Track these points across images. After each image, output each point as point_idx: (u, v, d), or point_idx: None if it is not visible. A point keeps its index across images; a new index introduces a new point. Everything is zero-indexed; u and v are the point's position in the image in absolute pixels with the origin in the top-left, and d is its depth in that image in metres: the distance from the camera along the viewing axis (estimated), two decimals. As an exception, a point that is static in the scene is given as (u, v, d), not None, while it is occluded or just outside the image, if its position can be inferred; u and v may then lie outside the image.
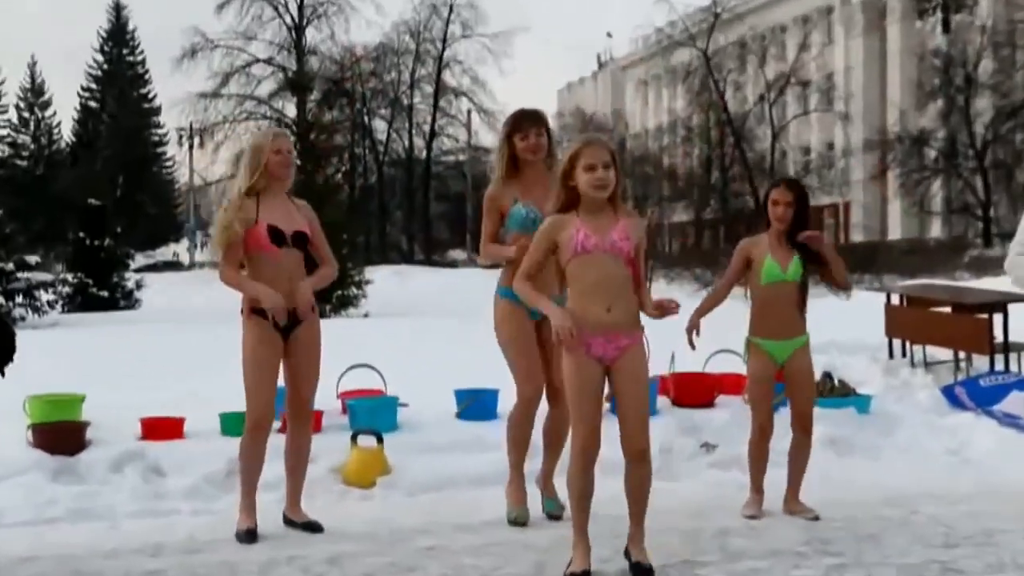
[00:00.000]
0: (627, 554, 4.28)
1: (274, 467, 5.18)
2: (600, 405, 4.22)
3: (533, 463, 5.37)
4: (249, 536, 4.90)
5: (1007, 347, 8.13)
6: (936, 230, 41.55)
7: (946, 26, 39.93)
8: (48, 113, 63.93)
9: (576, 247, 4.14)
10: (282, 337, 5.01)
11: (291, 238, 5.01)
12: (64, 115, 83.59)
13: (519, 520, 5.16)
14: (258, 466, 5.07)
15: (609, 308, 4.14)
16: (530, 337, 5.14)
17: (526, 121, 5.21)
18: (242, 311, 5.05)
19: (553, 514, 5.22)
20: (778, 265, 5.15)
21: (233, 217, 4.96)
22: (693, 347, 5.20)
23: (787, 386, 5.31)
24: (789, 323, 5.20)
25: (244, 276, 5.01)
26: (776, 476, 5.34)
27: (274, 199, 5.06)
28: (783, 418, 5.40)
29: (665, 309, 4.21)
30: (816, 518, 5.16)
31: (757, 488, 5.33)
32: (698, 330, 5.19)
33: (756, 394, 5.29)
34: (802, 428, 5.30)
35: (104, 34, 66.13)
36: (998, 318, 8.21)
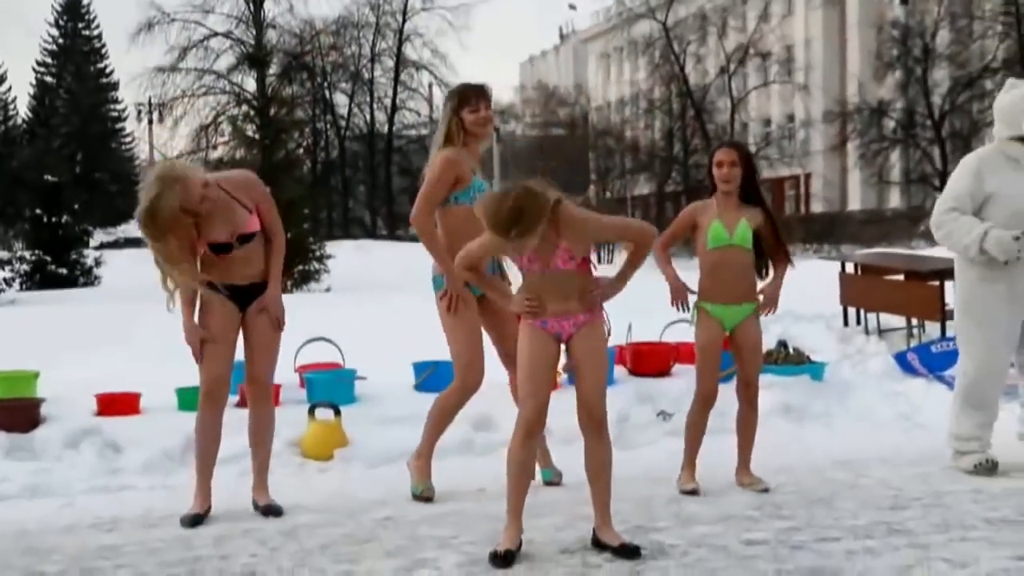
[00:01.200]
0: (599, 543, 4.19)
1: (231, 441, 5.15)
2: (551, 382, 4.20)
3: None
4: (194, 521, 4.79)
5: (958, 314, 8.22)
6: (895, 200, 41.87)
7: (904, -3, 40.10)
8: (3, 89, 62.91)
9: (522, 268, 4.16)
10: (239, 309, 4.96)
11: (236, 242, 4.89)
12: (20, 91, 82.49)
13: (425, 494, 5.17)
14: (213, 443, 4.98)
15: (566, 297, 4.14)
16: (473, 322, 5.15)
17: (476, 94, 5.20)
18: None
19: (552, 481, 5.33)
20: (725, 229, 5.13)
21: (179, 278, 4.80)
22: (686, 307, 5.23)
23: (736, 354, 5.26)
24: (739, 288, 5.16)
25: (184, 300, 4.86)
26: (728, 443, 5.38)
27: (213, 212, 4.82)
28: (731, 388, 5.35)
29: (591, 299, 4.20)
30: (766, 489, 5.14)
31: (693, 461, 5.26)
32: (686, 291, 5.22)
33: (703, 362, 5.21)
34: (748, 398, 5.25)
35: (59, 7, 65.05)
36: (949, 285, 8.30)
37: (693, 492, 5.11)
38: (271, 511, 4.93)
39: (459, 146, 5.17)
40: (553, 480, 5.35)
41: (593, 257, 4.32)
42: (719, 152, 5.22)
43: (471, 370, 5.15)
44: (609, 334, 4.33)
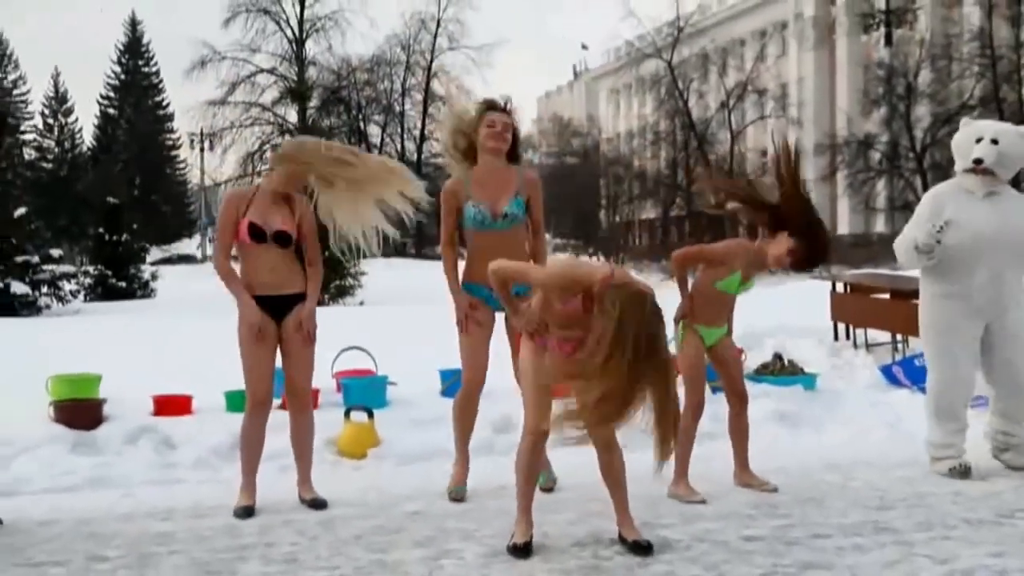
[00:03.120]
0: (621, 539, 4.16)
1: (272, 440, 5.16)
2: (551, 393, 4.14)
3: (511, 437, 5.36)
4: (246, 513, 4.80)
5: (939, 330, 8.16)
6: (880, 225, 41.70)
7: (888, 40, 40.02)
8: (71, 120, 63.58)
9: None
10: (276, 321, 4.94)
11: (271, 236, 4.88)
12: (85, 121, 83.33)
13: (457, 496, 5.05)
14: (258, 446, 4.98)
15: (570, 328, 4.03)
16: (480, 326, 5.08)
17: (491, 108, 5.07)
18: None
19: (543, 487, 5.00)
20: (738, 282, 5.03)
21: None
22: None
23: (718, 365, 5.19)
24: (723, 315, 5.13)
25: (235, 276, 4.89)
26: (724, 447, 5.35)
27: (265, 197, 4.95)
28: (720, 399, 5.31)
29: None
30: (775, 489, 5.05)
31: (687, 470, 5.04)
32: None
33: (694, 373, 5.08)
34: (738, 397, 5.16)
35: (121, 47, 65.73)
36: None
37: (702, 502, 4.90)
38: (316, 504, 4.94)
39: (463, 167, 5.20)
40: (545, 485, 5.06)
41: None
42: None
43: (469, 366, 5.10)
44: None
